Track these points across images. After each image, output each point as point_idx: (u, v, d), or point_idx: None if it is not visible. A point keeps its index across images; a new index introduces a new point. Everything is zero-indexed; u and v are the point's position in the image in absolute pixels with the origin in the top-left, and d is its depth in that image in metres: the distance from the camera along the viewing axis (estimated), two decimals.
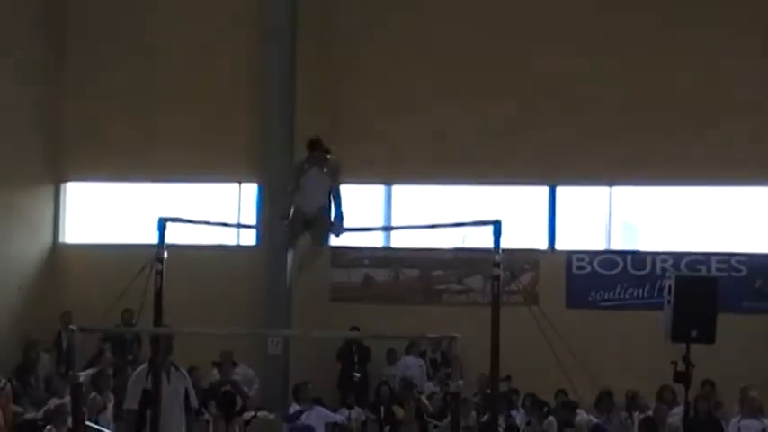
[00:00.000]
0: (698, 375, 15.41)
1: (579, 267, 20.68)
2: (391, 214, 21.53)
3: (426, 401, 18.16)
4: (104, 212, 22.24)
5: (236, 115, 21.50)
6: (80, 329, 11.22)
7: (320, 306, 20.68)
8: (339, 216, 11.50)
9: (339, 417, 18.34)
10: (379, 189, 21.63)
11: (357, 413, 18.67)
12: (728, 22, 20.32)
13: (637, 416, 17.38)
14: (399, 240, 21.49)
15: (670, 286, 14.93)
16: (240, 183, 21.75)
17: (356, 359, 20.31)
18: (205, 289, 20.17)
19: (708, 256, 20.28)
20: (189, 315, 16.55)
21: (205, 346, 18.42)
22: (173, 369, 12.51)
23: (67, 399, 14.26)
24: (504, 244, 11.23)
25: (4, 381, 15.82)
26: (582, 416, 17.01)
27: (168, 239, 12.01)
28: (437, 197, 21.24)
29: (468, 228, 20.27)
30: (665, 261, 20.32)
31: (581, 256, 20.76)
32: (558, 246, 21.00)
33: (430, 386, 19.45)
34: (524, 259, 20.31)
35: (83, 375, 11.37)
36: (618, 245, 21.02)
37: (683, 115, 20.37)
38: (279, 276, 20.46)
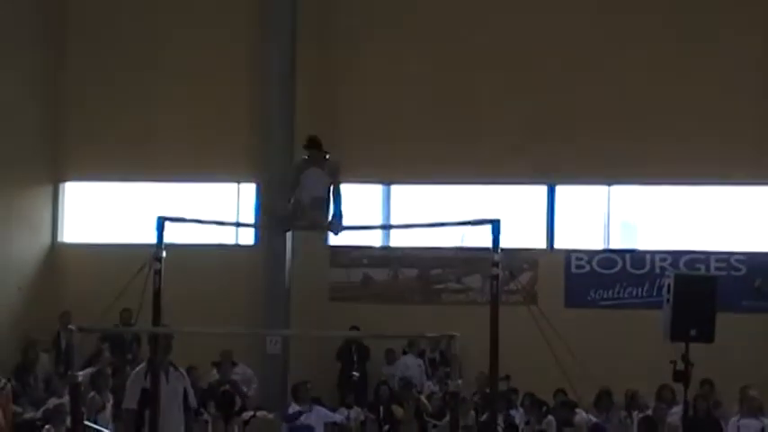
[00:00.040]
0: (697, 375, 15.40)
1: (578, 266, 20.68)
2: (390, 214, 21.52)
3: (425, 401, 18.16)
4: (103, 212, 22.24)
5: (236, 115, 21.49)
6: (79, 329, 11.22)
7: (319, 306, 20.68)
8: (338, 215, 11.50)
9: (338, 416, 18.35)
10: (378, 188, 21.63)
11: (356, 413, 18.68)
12: (728, 21, 20.31)
13: (636, 415, 17.38)
14: (398, 240, 21.49)
15: (669, 285, 14.91)
16: (239, 183, 21.74)
17: (355, 359, 20.32)
18: (204, 288, 20.17)
19: (707, 255, 20.28)
20: (188, 315, 16.57)
21: (204, 346, 18.42)
22: (171, 369, 12.50)
23: (66, 398, 14.27)
24: (503, 243, 11.24)
25: (4, 381, 15.83)
26: (581, 415, 17.01)
27: (167, 239, 12.00)
28: (436, 197, 21.24)
29: (467, 227, 20.22)
30: (664, 260, 20.32)
31: (580, 255, 20.76)
32: (557, 245, 21.00)
33: (429, 386, 19.46)
34: (523, 258, 20.30)
35: (81, 375, 11.37)
36: (617, 244, 21.02)
37: (682, 114, 20.36)
38: (278, 276, 20.55)
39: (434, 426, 17.87)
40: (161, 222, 11.94)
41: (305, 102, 20.92)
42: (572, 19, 20.77)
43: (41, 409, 16.86)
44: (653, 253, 20.56)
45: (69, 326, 12.65)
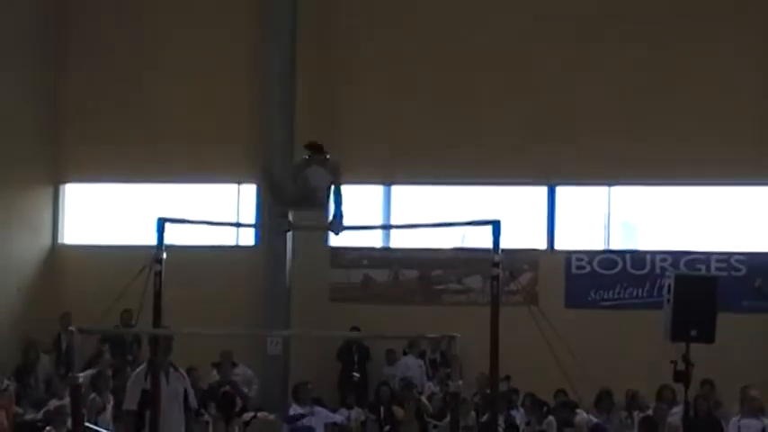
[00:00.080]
0: (697, 375, 15.38)
1: (578, 267, 20.67)
2: (390, 214, 21.51)
3: (426, 401, 18.15)
4: (103, 213, 22.23)
5: (236, 115, 21.49)
6: (79, 331, 11.22)
7: (320, 306, 20.68)
8: (339, 215, 11.50)
9: (339, 417, 18.34)
10: (378, 189, 21.62)
11: (357, 413, 18.67)
12: (729, 22, 20.30)
13: (636, 415, 17.35)
14: (399, 241, 21.49)
15: (669, 286, 14.90)
16: (239, 183, 21.74)
17: (356, 359, 20.32)
18: (204, 289, 20.17)
19: (707, 255, 20.27)
20: (188, 316, 16.57)
21: (204, 347, 18.43)
22: (171, 369, 12.50)
23: (67, 400, 14.25)
24: (504, 244, 11.24)
25: (6, 382, 15.84)
26: (581, 415, 16.99)
27: (167, 240, 12.00)
28: (436, 197, 21.23)
29: (468, 228, 20.29)
30: (664, 260, 20.31)
31: (580, 255, 20.76)
32: (558, 245, 20.99)
33: (430, 386, 19.45)
34: (524, 259, 20.29)
35: (82, 376, 11.38)
36: (617, 244, 21.01)
37: (682, 115, 20.35)
38: (278, 277, 20.54)
39: (435, 426, 17.86)
40: (161, 224, 11.94)
41: (305, 102, 20.91)
42: (572, 19, 20.76)
43: (42, 411, 16.84)
44: (653, 253, 20.55)
45: (70, 327, 12.65)
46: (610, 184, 20.89)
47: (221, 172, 21.53)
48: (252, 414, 18.13)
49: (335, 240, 20.67)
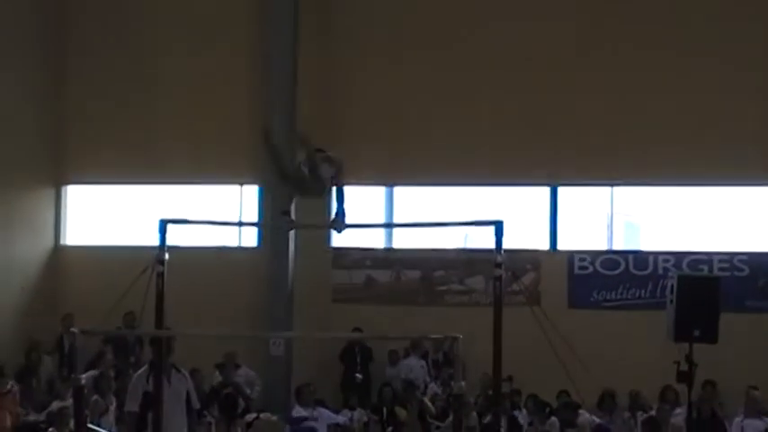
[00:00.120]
0: (701, 375, 15.34)
1: (581, 268, 20.65)
2: (393, 216, 21.49)
3: (429, 402, 18.13)
4: (106, 215, 22.23)
5: (237, 116, 21.47)
6: (82, 332, 11.21)
7: (322, 307, 20.67)
8: (341, 213, 11.46)
9: (341, 418, 18.32)
10: (380, 191, 21.60)
11: (359, 414, 18.64)
12: (729, 22, 20.28)
13: (639, 416, 17.35)
14: (401, 241, 21.47)
15: (672, 286, 14.84)
16: (242, 184, 21.73)
17: (358, 360, 20.31)
18: (206, 291, 20.17)
19: (710, 255, 20.24)
20: (190, 317, 16.56)
21: (206, 348, 18.41)
22: (173, 371, 12.49)
23: (69, 401, 14.23)
24: (506, 244, 11.20)
25: (10, 383, 15.83)
26: (584, 416, 16.97)
27: (170, 241, 11.98)
28: (439, 198, 21.22)
29: (470, 228, 20.28)
30: (667, 261, 20.28)
31: (583, 256, 20.73)
32: (560, 246, 20.96)
33: (432, 387, 19.43)
34: (526, 260, 20.27)
35: (84, 378, 11.35)
36: (620, 245, 20.98)
37: (684, 115, 20.32)
38: (280, 278, 20.53)
39: (437, 427, 17.84)
40: (163, 225, 11.92)
41: (306, 102, 20.89)
42: (573, 20, 20.74)
43: (45, 412, 16.84)
44: (656, 254, 20.53)
45: (72, 328, 12.65)
46: (612, 185, 20.87)
47: (223, 173, 21.52)
48: (254, 415, 18.10)
49: (338, 241, 20.70)
